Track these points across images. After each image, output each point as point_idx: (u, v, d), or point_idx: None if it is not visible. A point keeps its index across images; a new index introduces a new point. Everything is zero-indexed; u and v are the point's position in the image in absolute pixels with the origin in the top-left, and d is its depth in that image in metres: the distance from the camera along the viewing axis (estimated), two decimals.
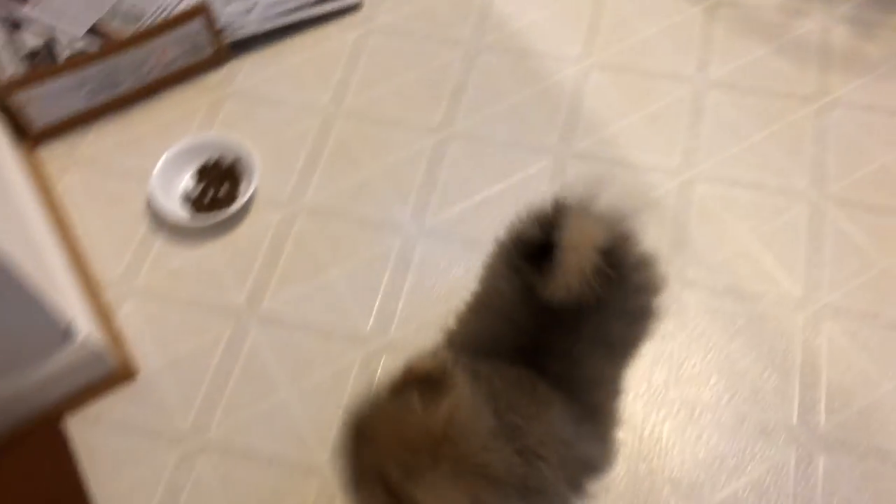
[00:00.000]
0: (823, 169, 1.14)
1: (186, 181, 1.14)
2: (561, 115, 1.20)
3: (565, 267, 0.66)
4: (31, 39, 1.23)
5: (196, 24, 1.16)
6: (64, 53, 1.20)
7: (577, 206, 0.73)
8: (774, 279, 1.05)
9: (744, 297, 1.04)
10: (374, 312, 1.04)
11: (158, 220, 1.12)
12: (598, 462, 0.76)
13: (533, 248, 0.71)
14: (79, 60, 1.12)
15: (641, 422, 0.96)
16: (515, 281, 0.72)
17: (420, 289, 1.06)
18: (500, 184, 1.15)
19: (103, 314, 1.04)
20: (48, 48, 1.21)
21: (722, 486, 0.92)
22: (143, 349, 1.03)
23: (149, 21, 1.24)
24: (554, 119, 1.20)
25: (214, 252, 1.10)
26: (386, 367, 1.00)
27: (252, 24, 1.25)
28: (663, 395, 0.98)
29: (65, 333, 0.91)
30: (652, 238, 1.09)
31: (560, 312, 0.69)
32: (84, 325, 0.95)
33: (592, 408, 0.73)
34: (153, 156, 1.16)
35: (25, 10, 1.25)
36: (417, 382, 0.62)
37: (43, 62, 1.19)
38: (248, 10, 1.27)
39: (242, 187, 1.13)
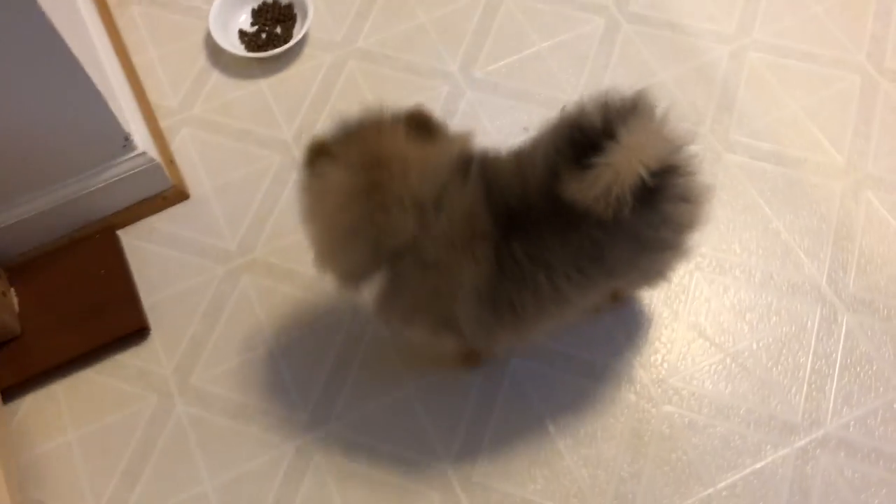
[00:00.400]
0: (882, 44, 1.12)
1: (243, 20, 1.17)
2: None
3: (609, 167, 0.64)
4: None
5: None
6: None
7: (648, 111, 0.69)
8: (818, 147, 1.05)
9: (785, 162, 1.04)
10: None
11: (215, 56, 1.15)
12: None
13: (583, 137, 0.67)
14: None
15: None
16: (549, 159, 0.69)
17: None
18: (550, 40, 1.15)
19: (159, 138, 1.08)
20: None
21: (744, 336, 0.94)
22: (196, 174, 1.07)
23: None
24: None
25: (267, 88, 1.13)
26: None
27: None
28: (695, 249, 0.99)
29: (125, 143, 0.96)
30: (699, 99, 1.09)
31: (566, 208, 0.67)
32: (142, 142, 0.99)
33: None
34: None
35: None
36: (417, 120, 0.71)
37: None
38: None
39: (296, 28, 1.15)
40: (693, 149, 0.72)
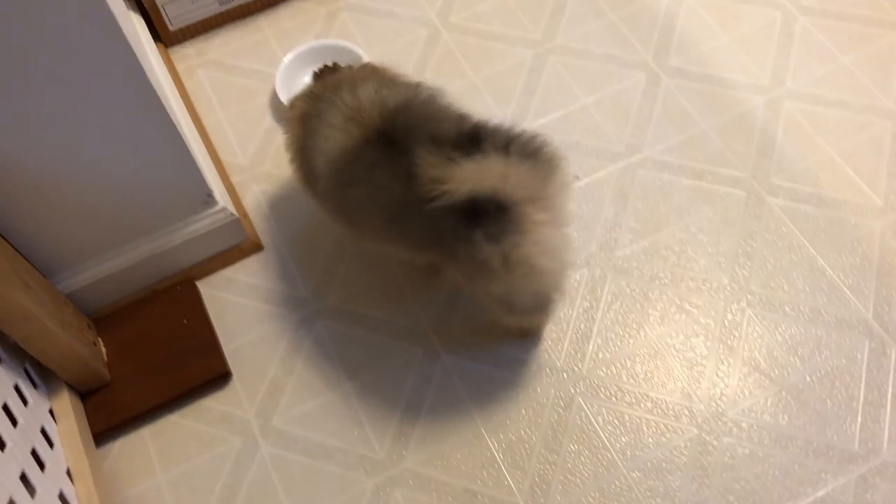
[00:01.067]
0: None
1: (305, 81, 1.24)
2: (654, 34, 1.27)
3: (459, 169, 0.76)
4: None
5: None
6: None
7: (545, 160, 0.81)
8: (855, 188, 1.11)
9: (825, 204, 1.10)
10: None
11: (280, 115, 1.22)
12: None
13: (475, 137, 0.81)
14: None
15: (723, 309, 1.04)
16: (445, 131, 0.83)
17: None
18: (595, 94, 1.22)
19: (233, 194, 1.15)
20: None
21: (797, 370, 0.99)
22: (269, 226, 1.14)
23: None
24: (648, 38, 1.27)
25: None
26: None
27: None
28: (745, 287, 1.05)
29: (207, 199, 1.02)
30: (740, 146, 1.16)
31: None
32: (221, 198, 1.06)
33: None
34: (275, 59, 1.26)
35: None
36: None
37: None
38: None
39: None
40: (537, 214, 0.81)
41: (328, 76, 0.97)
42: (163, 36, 1.28)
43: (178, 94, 1.21)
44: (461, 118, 0.87)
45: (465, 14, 1.31)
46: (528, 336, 1.03)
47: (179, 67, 1.28)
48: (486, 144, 0.79)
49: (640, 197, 1.13)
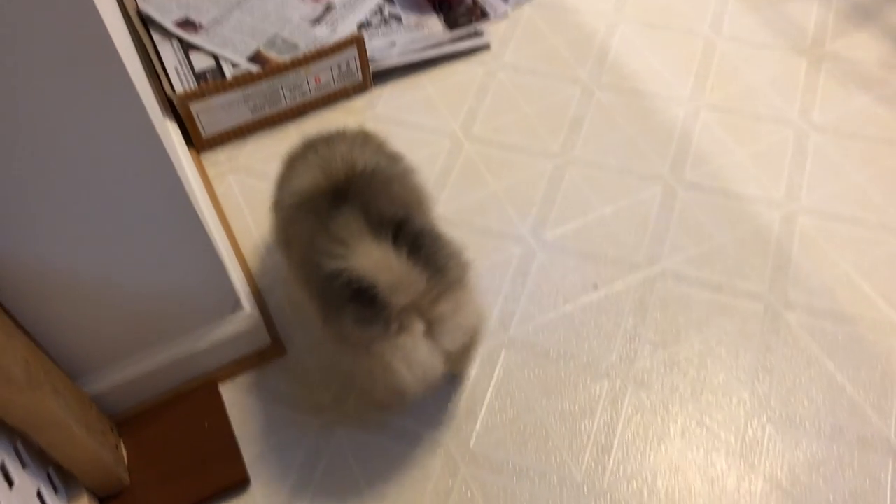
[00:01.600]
0: None
1: None
2: (671, 148, 1.31)
3: (349, 250, 0.81)
4: (202, 61, 1.41)
5: (350, 53, 1.32)
6: (231, 72, 1.38)
7: (449, 271, 0.84)
8: (872, 305, 1.13)
9: (843, 320, 1.11)
10: (495, 311, 1.15)
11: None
12: None
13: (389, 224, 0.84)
14: (246, 78, 1.28)
15: (744, 425, 1.04)
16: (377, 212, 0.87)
17: (538, 294, 1.17)
18: (612, 205, 1.25)
19: (258, 298, 1.17)
20: (218, 69, 1.39)
21: (820, 489, 0.98)
22: (291, 332, 1.15)
23: (303, 50, 1.41)
24: (664, 151, 1.31)
25: None
26: (505, 362, 1.10)
27: (394, 57, 1.40)
28: (765, 403, 1.05)
29: (235, 305, 1.05)
30: (756, 260, 1.18)
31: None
32: (247, 304, 1.08)
33: None
34: None
35: (197, 38, 1.43)
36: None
37: (214, 78, 1.37)
38: (392, 45, 1.43)
39: None
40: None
41: (329, 135, 1.05)
42: (196, 142, 1.33)
43: (208, 198, 1.25)
44: (414, 204, 0.95)
45: (488, 126, 1.36)
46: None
47: (211, 172, 1.32)
48: (400, 240, 0.81)
49: (658, 308, 1.14)
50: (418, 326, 0.84)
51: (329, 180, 0.92)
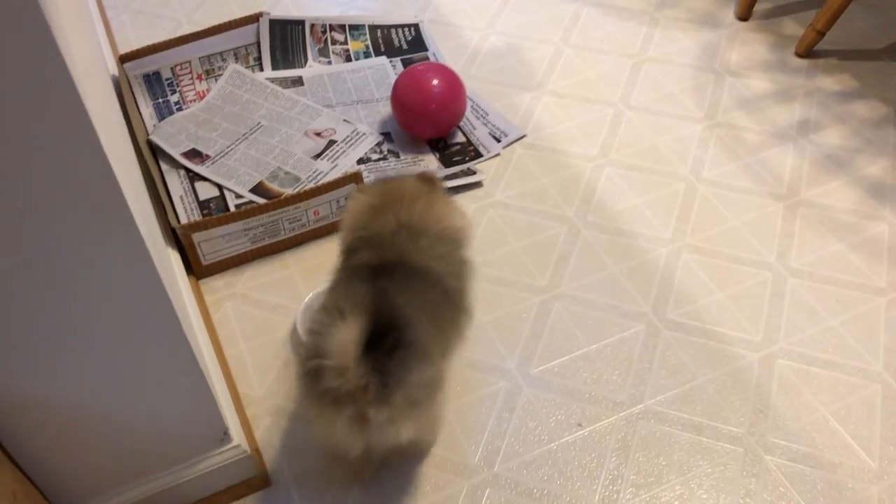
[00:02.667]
0: (895, 355, 1.26)
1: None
2: (654, 287, 1.36)
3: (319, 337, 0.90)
4: (207, 191, 1.47)
5: (349, 188, 1.38)
6: (234, 203, 1.44)
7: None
8: (851, 452, 1.15)
9: (822, 465, 1.13)
10: (480, 447, 1.17)
11: (298, 350, 1.29)
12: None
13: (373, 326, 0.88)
14: (248, 212, 1.34)
15: None
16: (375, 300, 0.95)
17: (523, 430, 1.19)
18: (597, 343, 1.29)
19: (247, 427, 1.19)
20: (222, 198, 1.45)
21: None
22: (277, 461, 1.16)
23: (304, 184, 1.48)
24: (647, 290, 1.35)
25: None
26: (491, 499, 1.11)
27: None
28: None
29: (223, 436, 1.06)
30: (736, 401, 1.20)
31: None
32: (236, 434, 1.10)
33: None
34: (298, 295, 1.35)
35: (203, 169, 1.50)
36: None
37: (217, 208, 1.43)
38: None
39: None
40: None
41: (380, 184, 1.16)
42: (195, 269, 1.37)
43: (204, 326, 1.28)
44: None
45: (478, 259, 1.40)
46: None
47: (208, 299, 1.36)
48: (385, 342, 0.87)
49: (640, 448, 1.16)
50: (346, 410, 0.90)
51: (383, 255, 1.03)
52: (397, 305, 0.94)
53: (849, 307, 1.32)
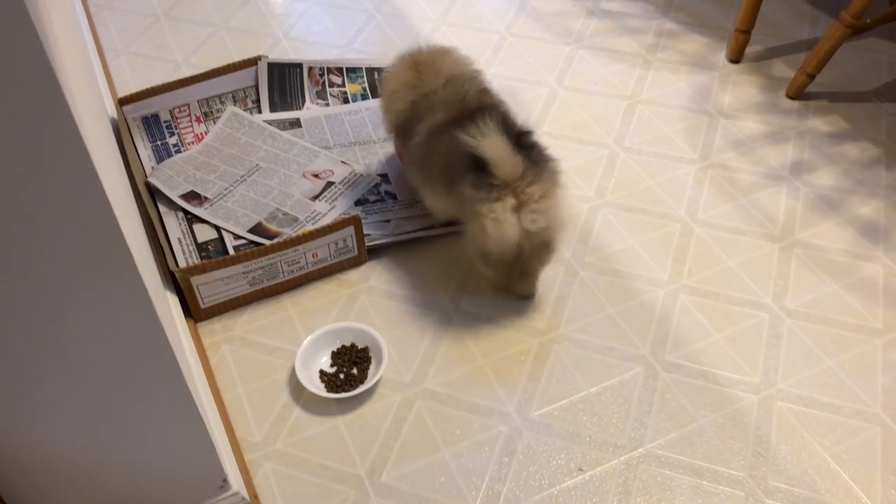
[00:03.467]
0: (893, 397, 1.26)
1: (324, 361, 1.32)
2: (651, 328, 1.36)
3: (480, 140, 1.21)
4: (205, 233, 1.48)
5: (347, 231, 1.39)
6: (233, 245, 1.44)
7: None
8: (852, 495, 1.14)
9: None
10: (481, 492, 1.16)
11: (297, 392, 1.28)
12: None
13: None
14: (247, 255, 1.34)
15: None
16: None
17: (523, 475, 1.18)
18: (596, 385, 1.29)
19: (245, 473, 1.18)
20: (220, 240, 1.46)
21: None
22: None
23: (302, 224, 1.48)
24: (645, 332, 1.36)
25: (343, 425, 1.25)
26: None
27: (389, 235, 1.48)
28: None
29: (222, 484, 1.05)
30: (736, 444, 1.20)
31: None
32: (234, 481, 1.09)
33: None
34: (296, 337, 1.35)
35: (202, 211, 1.51)
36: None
37: (216, 250, 1.43)
38: (387, 222, 1.50)
39: (371, 370, 1.30)
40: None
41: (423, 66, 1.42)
42: (194, 312, 1.37)
43: (202, 370, 1.28)
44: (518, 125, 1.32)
45: (476, 301, 1.41)
46: (522, 298, 1.42)
47: (206, 342, 1.36)
48: (520, 142, 1.22)
49: (641, 493, 1.16)
50: (510, 200, 1.21)
51: (462, 111, 1.31)
52: (509, 120, 1.30)
53: (846, 348, 1.33)
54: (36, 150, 0.66)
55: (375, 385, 1.29)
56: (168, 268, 1.36)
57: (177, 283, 1.36)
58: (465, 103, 1.31)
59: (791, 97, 1.80)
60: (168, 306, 1.27)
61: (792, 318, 1.37)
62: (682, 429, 1.23)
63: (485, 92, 1.37)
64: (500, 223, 1.21)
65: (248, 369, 1.33)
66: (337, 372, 1.30)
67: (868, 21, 1.69)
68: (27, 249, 0.72)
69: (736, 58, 1.89)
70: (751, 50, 1.92)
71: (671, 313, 1.39)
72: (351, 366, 1.31)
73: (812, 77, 1.75)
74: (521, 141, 1.23)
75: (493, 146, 1.18)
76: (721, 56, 1.92)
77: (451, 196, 1.29)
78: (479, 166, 1.20)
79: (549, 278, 1.44)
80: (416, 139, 1.36)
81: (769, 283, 1.43)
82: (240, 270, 1.35)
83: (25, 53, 0.61)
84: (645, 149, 1.69)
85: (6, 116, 0.63)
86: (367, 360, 1.32)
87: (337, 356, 1.32)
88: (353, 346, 1.33)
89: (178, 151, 1.65)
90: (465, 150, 1.21)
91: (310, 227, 1.47)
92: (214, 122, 1.70)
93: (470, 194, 1.22)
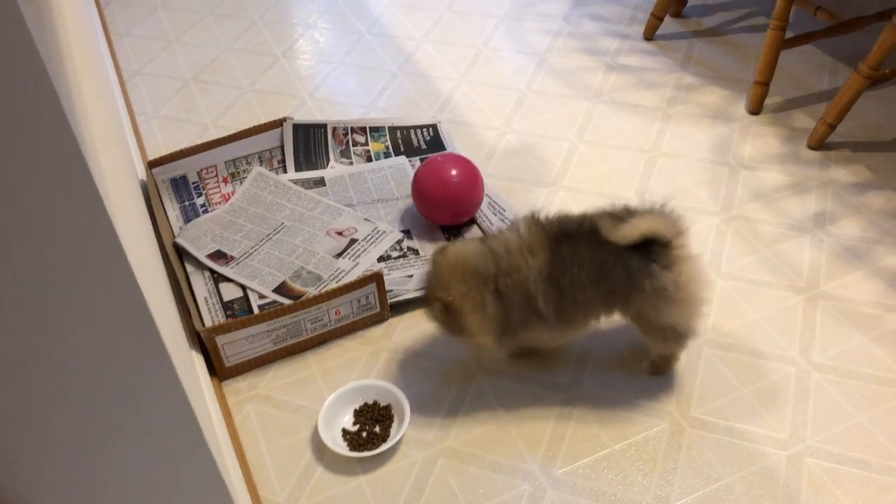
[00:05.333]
0: None
1: (347, 419, 1.32)
2: (676, 383, 1.35)
3: (633, 223, 1.19)
4: (231, 292, 1.50)
5: (370, 288, 1.41)
6: (258, 304, 1.46)
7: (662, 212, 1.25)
8: None
9: None
10: None
11: (320, 451, 1.29)
12: (542, 308, 1.24)
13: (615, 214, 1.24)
14: (271, 313, 1.36)
15: None
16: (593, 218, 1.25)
17: None
18: (621, 442, 1.27)
19: None
20: (245, 298, 1.48)
21: None
22: None
23: (326, 283, 1.50)
24: (669, 387, 1.35)
25: (366, 484, 1.24)
26: None
27: (410, 291, 1.49)
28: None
29: None
30: (765, 503, 1.18)
31: (595, 239, 1.22)
32: None
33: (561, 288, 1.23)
34: (319, 395, 1.36)
35: (227, 270, 1.53)
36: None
37: (241, 308, 1.45)
38: (409, 278, 1.52)
39: (394, 428, 1.30)
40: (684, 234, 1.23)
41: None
42: (218, 371, 1.39)
43: (226, 430, 1.29)
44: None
45: (494, 359, 1.41)
46: (661, 372, 1.37)
47: (230, 401, 1.37)
48: (638, 210, 1.22)
49: None
50: (684, 250, 1.24)
51: (549, 240, 1.25)
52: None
53: (876, 402, 1.30)
54: (58, 220, 0.69)
55: (398, 443, 1.29)
56: (194, 327, 1.38)
57: (202, 342, 1.38)
58: (549, 233, 1.24)
59: (812, 147, 1.80)
60: (194, 366, 1.29)
61: (819, 372, 1.35)
62: (709, 486, 1.21)
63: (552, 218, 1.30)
64: (699, 274, 1.24)
65: (272, 428, 1.33)
66: (360, 430, 1.30)
67: (887, 71, 1.70)
68: (46, 316, 0.74)
69: (756, 109, 1.90)
70: (770, 101, 1.93)
71: (696, 367, 1.37)
72: (373, 424, 1.31)
73: (833, 127, 1.75)
74: (643, 207, 1.24)
75: (647, 220, 1.18)
76: (741, 108, 1.93)
77: (631, 297, 1.24)
78: (645, 250, 1.19)
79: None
80: (517, 304, 1.25)
81: (795, 336, 1.41)
82: (264, 329, 1.37)
83: (46, 122, 0.63)
84: (667, 201, 1.69)
85: (27, 183, 0.65)
86: (390, 418, 1.32)
87: (359, 414, 1.33)
88: (375, 403, 1.33)
89: (206, 211, 1.68)
90: (616, 248, 1.19)
91: (333, 285, 1.49)
92: (241, 183, 1.74)
93: (666, 277, 1.19)
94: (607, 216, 1.21)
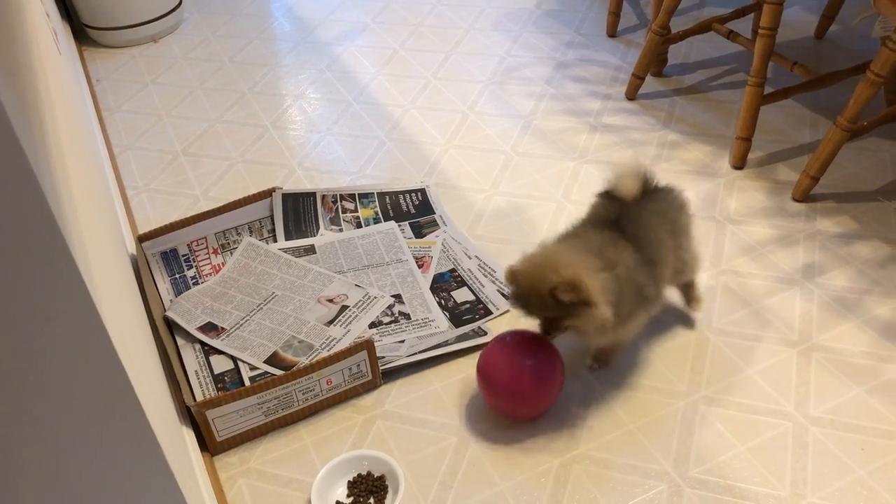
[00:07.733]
0: None
1: (340, 492, 1.30)
2: (673, 443, 1.33)
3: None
4: (222, 364, 1.49)
5: (361, 356, 1.40)
6: (249, 375, 1.45)
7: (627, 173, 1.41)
8: None
9: None
10: None
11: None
12: (648, 293, 1.32)
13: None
14: (261, 385, 1.35)
15: None
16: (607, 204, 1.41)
17: None
18: None
19: None
20: (236, 370, 1.47)
21: None
22: None
23: (317, 352, 1.49)
24: (667, 447, 1.33)
25: None
26: None
27: (402, 357, 1.48)
28: None
29: None
30: None
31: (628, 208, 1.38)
32: None
33: (650, 260, 1.33)
34: (312, 468, 1.34)
35: (218, 342, 1.53)
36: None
37: (232, 381, 1.44)
38: (400, 343, 1.51)
39: (388, 499, 1.28)
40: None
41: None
42: (210, 446, 1.37)
43: None
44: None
45: (490, 422, 1.40)
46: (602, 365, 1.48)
47: (222, 476, 1.35)
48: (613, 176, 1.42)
49: None
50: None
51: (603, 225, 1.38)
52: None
53: (875, 456, 1.29)
54: (38, 300, 0.68)
55: None
56: (185, 402, 1.37)
57: (193, 416, 1.37)
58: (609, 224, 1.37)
59: (797, 200, 1.81)
60: (184, 443, 1.27)
61: (816, 426, 1.34)
62: None
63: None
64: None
65: (264, 503, 1.31)
66: (353, 502, 1.28)
67: (865, 123, 1.73)
68: (26, 395, 0.73)
69: (739, 164, 1.93)
70: (753, 156, 1.96)
71: (692, 426, 1.36)
72: (368, 495, 1.29)
73: (816, 180, 1.78)
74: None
75: (626, 176, 1.40)
76: (724, 163, 1.96)
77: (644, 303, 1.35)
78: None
79: (566, 395, 1.43)
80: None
81: (790, 390, 1.40)
82: (255, 402, 1.35)
83: (25, 205, 0.64)
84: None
85: (4, 268, 0.65)
86: (384, 489, 1.29)
87: (353, 486, 1.30)
88: (369, 474, 1.31)
89: (196, 283, 1.68)
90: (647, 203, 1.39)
91: (325, 354, 1.48)
92: (231, 254, 1.74)
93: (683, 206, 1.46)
94: (607, 194, 1.41)
